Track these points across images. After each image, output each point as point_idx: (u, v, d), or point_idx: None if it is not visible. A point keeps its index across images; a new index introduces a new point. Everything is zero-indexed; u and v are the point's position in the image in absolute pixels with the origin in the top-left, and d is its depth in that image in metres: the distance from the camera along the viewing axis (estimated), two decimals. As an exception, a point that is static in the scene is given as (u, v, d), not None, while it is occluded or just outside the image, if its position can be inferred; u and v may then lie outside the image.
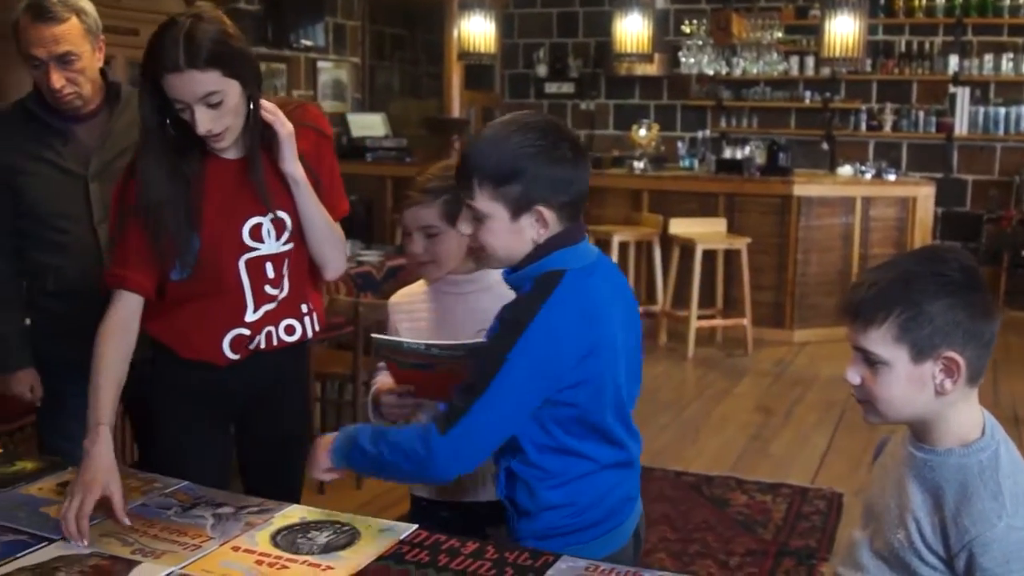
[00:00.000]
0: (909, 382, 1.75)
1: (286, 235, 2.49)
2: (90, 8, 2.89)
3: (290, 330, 2.57)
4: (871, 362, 1.77)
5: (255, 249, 2.45)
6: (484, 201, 2.01)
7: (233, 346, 2.49)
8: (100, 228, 2.90)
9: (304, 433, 2.80)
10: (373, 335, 2.53)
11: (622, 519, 2.21)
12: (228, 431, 2.67)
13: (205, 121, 2.26)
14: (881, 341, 1.75)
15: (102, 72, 2.99)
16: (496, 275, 2.50)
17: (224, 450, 2.65)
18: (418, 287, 2.61)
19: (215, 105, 2.26)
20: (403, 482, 2.19)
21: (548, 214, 2.01)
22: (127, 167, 2.44)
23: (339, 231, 2.60)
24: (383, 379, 2.53)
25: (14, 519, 2.06)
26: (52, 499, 2.13)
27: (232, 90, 2.27)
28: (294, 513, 2.11)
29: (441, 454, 1.98)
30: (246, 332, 2.49)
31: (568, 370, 1.99)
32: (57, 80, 2.83)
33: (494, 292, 2.50)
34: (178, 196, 2.35)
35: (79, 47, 2.85)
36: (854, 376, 1.81)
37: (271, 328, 2.53)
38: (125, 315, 2.37)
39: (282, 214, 2.47)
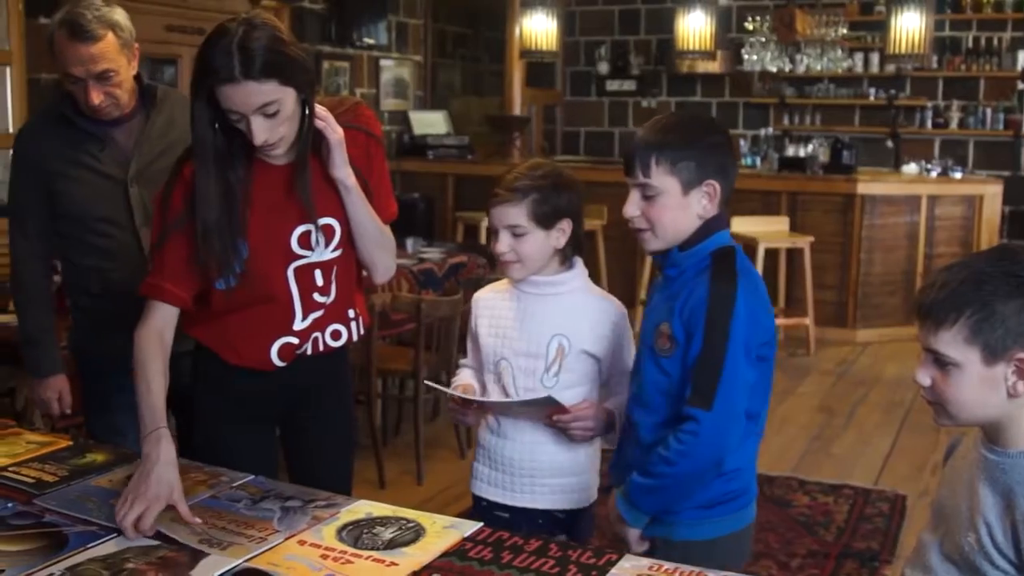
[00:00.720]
0: (981, 384, 1.73)
1: (335, 241, 2.46)
2: (123, 19, 2.88)
3: (336, 335, 2.55)
4: (942, 364, 1.75)
5: (304, 257, 2.43)
6: (660, 176, 2.22)
7: (281, 354, 2.47)
8: (142, 231, 2.91)
9: (350, 432, 2.80)
10: (424, 381, 2.59)
11: (756, 487, 2.40)
12: (272, 432, 2.66)
13: (262, 132, 2.21)
14: (952, 342, 1.73)
15: (136, 76, 2.98)
16: (579, 278, 2.55)
17: (268, 451, 2.63)
18: (502, 285, 2.62)
19: (272, 115, 2.21)
20: (692, 486, 2.22)
21: (717, 188, 2.23)
22: (171, 174, 2.40)
23: (389, 235, 2.58)
24: (464, 374, 2.60)
25: (85, 510, 2.09)
26: (122, 491, 2.16)
27: (288, 98, 2.22)
28: (360, 509, 2.12)
29: (715, 426, 2.15)
30: (294, 340, 2.47)
31: (769, 322, 2.27)
32: (96, 97, 2.83)
33: (575, 295, 2.53)
34: (225, 211, 2.31)
35: (116, 63, 2.84)
36: (924, 378, 1.79)
37: (318, 334, 2.51)
38: (161, 324, 2.35)
39: (331, 220, 2.44)
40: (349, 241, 2.50)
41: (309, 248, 2.43)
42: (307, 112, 2.29)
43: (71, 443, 2.50)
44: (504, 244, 2.47)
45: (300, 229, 2.41)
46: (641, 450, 2.28)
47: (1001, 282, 1.71)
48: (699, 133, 2.27)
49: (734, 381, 2.15)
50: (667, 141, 2.23)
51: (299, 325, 2.47)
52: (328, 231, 2.44)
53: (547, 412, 2.43)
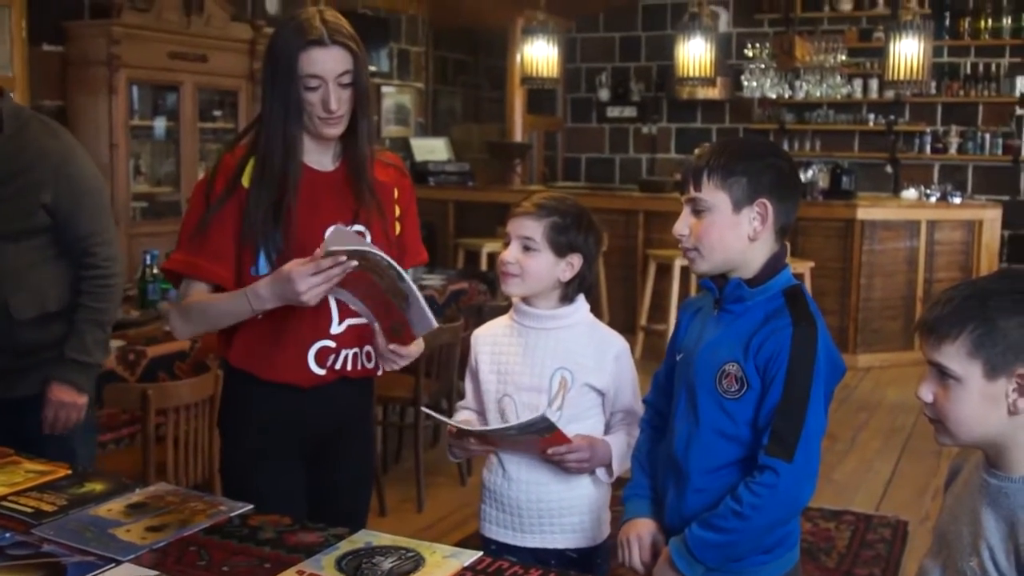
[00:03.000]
0: (982, 399, 1.73)
1: None
2: None
3: (369, 356, 2.57)
4: (944, 378, 1.75)
5: None
6: (710, 191, 2.17)
7: (318, 359, 2.50)
8: None
9: (370, 472, 2.82)
10: (423, 408, 2.59)
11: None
12: (301, 470, 2.62)
13: (334, 99, 2.40)
14: (955, 356, 1.73)
15: None
16: (581, 312, 2.54)
17: (298, 489, 2.60)
18: (502, 321, 2.62)
19: (345, 85, 2.42)
20: (763, 538, 2.18)
21: (769, 208, 2.16)
22: (212, 169, 2.52)
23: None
24: (463, 416, 2.57)
25: (83, 540, 2.07)
26: (121, 520, 2.15)
27: (357, 72, 2.43)
28: (360, 538, 2.11)
29: (794, 478, 2.08)
30: (331, 344, 2.50)
31: (843, 364, 2.23)
32: None
33: (578, 328, 2.52)
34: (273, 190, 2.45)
35: None
36: (927, 393, 1.79)
37: (356, 350, 2.54)
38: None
39: (361, 228, 2.52)
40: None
41: None
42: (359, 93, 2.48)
43: (70, 472, 2.49)
44: (512, 254, 2.48)
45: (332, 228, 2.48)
46: (693, 495, 2.22)
47: (1005, 298, 1.72)
48: (755, 152, 2.21)
49: (815, 431, 2.09)
50: (721, 157, 2.17)
51: (336, 329, 2.50)
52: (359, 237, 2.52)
53: (543, 443, 2.41)
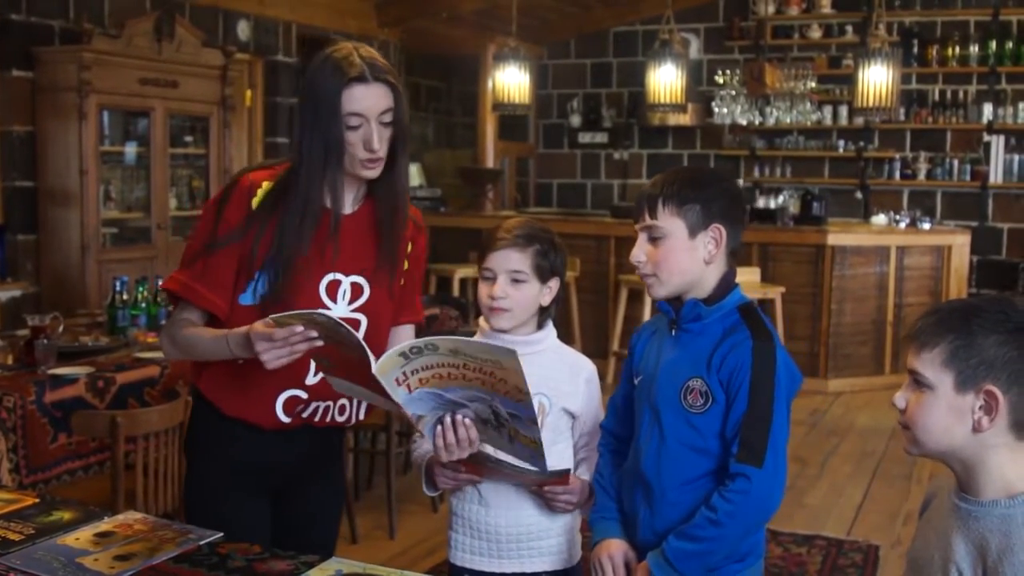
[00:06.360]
0: (949, 411, 1.77)
1: (358, 303, 2.45)
2: None
3: (342, 410, 2.51)
4: (919, 386, 1.80)
5: (327, 308, 2.39)
6: (666, 218, 2.25)
7: (286, 407, 2.43)
8: None
9: (338, 507, 2.76)
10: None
11: None
12: (267, 505, 2.58)
13: (377, 138, 2.32)
14: (931, 364, 1.78)
15: None
16: (551, 336, 2.55)
17: (263, 525, 2.56)
18: None
19: (386, 124, 2.34)
20: (738, 544, 2.23)
21: (723, 232, 2.25)
22: (226, 187, 2.43)
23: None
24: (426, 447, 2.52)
25: (50, 570, 2.06)
26: (89, 549, 2.13)
27: (399, 114, 2.35)
28: (330, 566, 2.10)
29: (766, 483, 2.15)
30: (302, 395, 2.43)
31: (799, 374, 2.31)
32: None
33: (551, 353, 2.51)
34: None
35: None
36: (901, 400, 1.84)
37: (329, 403, 2.47)
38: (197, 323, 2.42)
39: (361, 280, 2.45)
40: (372, 317, 2.48)
41: (333, 300, 2.42)
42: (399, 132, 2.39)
43: (38, 500, 2.47)
44: (502, 289, 2.44)
45: (330, 277, 2.41)
46: (668, 509, 2.25)
47: (989, 317, 1.76)
48: (706, 179, 2.30)
49: (781, 437, 2.16)
50: (674, 186, 2.25)
51: (310, 380, 2.42)
52: (356, 289, 2.45)
53: (541, 480, 2.38)
